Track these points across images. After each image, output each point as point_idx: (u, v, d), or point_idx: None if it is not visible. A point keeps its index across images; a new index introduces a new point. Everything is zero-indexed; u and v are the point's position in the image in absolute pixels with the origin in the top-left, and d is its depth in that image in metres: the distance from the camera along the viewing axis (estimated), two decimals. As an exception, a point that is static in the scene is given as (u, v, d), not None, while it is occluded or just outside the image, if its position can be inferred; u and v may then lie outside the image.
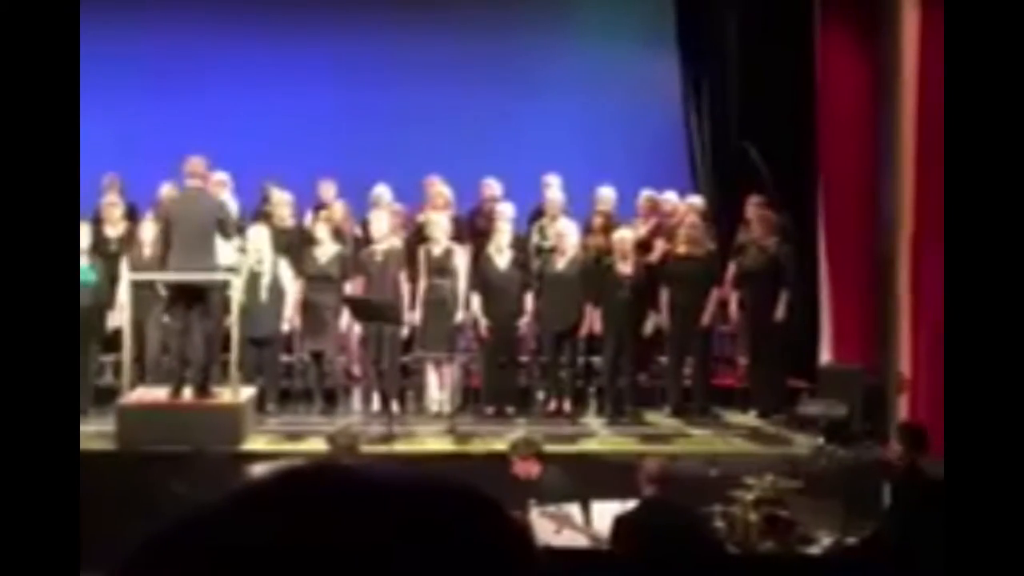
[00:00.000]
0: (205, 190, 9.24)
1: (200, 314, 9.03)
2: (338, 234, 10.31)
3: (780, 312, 9.82)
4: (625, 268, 9.91)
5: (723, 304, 10.13)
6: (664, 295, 9.94)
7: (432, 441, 9.25)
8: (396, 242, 10.12)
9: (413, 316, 9.93)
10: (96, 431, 9.16)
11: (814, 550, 6.69)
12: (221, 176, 10.60)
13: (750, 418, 9.91)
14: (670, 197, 10.97)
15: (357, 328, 10.01)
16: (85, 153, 11.84)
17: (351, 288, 10.02)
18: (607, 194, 11.02)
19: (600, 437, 9.50)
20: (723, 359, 10.62)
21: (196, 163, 9.08)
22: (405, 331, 9.99)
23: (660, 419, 9.95)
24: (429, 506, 0.83)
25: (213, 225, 8.93)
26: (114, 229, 10.42)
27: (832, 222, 10.22)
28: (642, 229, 10.64)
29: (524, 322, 10.03)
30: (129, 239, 10.14)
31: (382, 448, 8.69)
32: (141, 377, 9.62)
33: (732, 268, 10.09)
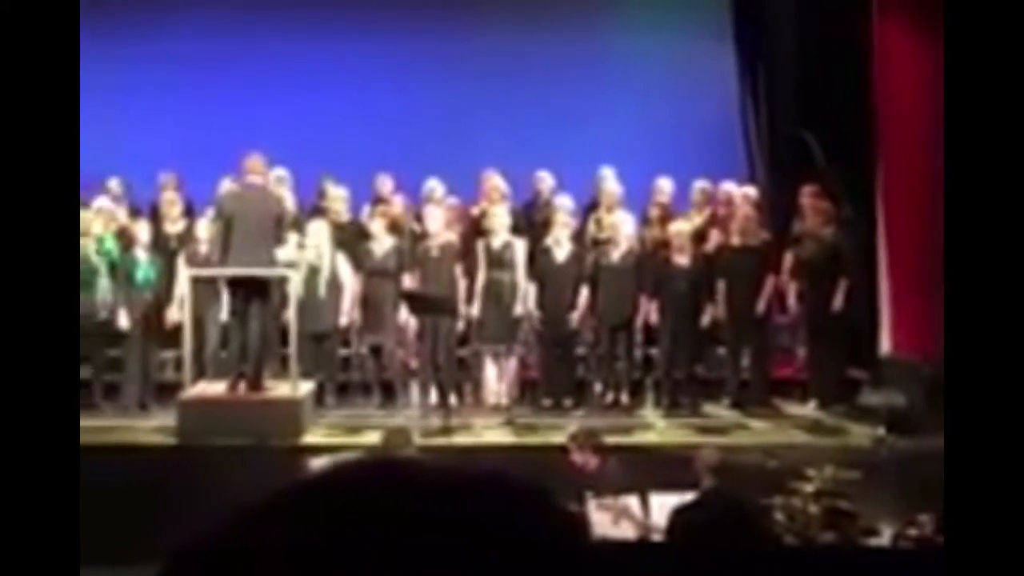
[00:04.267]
0: (264, 187, 9.31)
1: (257, 309, 9.11)
2: (395, 228, 10.36)
3: (838, 302, 9.72)
4: (682, 260, 9.86)
5: (780, 294, 10.05)
6: (721, 286, 9.88)
7: (490, 434, 9.27)
8: (451, 236, 10.15)
9: (469, 309, 9.96)
10: (157, 426, 9.29)
11: (876, 542, 6.63)
12: (279, 172, 10.69)
13: (809, 409, 9.82)
14: (727, 187, 10.90)
15: (414, 322, 10.05)
16: (144, 151, 12.03)
17: (408, 282, 10.06)
18: (664, 185, 10.97)
19: (658, 429, 9.47)
20: (781, 350, 10.53)
21: (256, 160, 9.17)
22: (461, 324, 10.02)
23: (718, 411, 9.89)
24: (484, 499, 0.83)
25: (272, 221, 9.01)
26: (173, 226, 10.54)
27: (892, 210, 10.10)
28: (697, 220, 10.59)
29: (579, 314, 10.02)
30: (187, 236, 10.26)
31: (440, 441, 8.72)
32: (201, 372, 9.72)
33: (789, 258, 10.00)
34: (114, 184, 10.90)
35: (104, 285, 9.82)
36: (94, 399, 9.90)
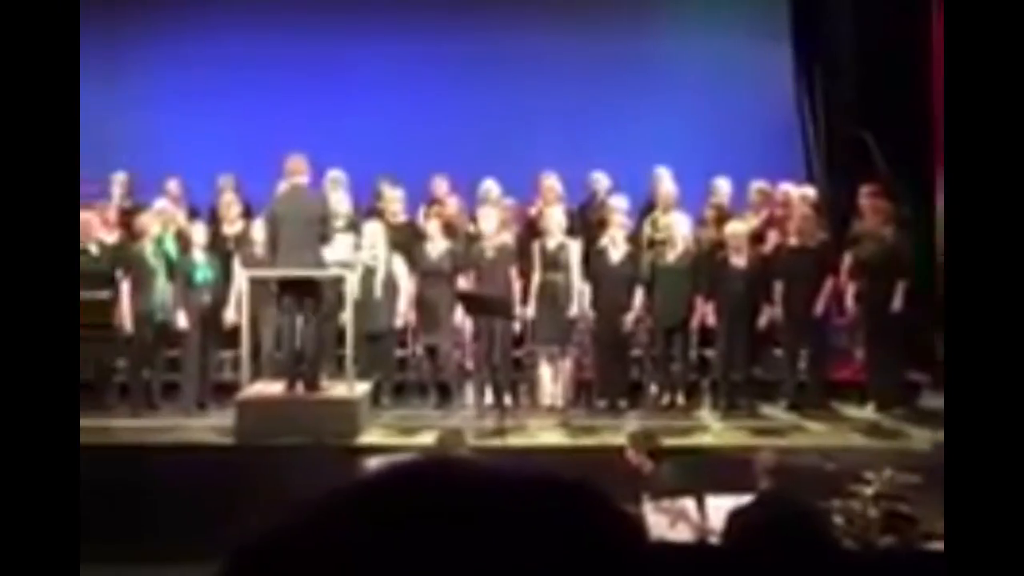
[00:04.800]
0: (308, 187, 9.35)
1: (310, 309, 9.17)
2: (450, 229, 10.38)
3: (897, 303, 9.61)
4: (739, 260, 9.80)
5: (839, 296, 9.96)
6: (778, 287, 9.81)
7: (545, 435, 9.26)
8: (507, 237, 10.16)
9: (525, 310, 9.96)
10: (216, 425, 9.39)
11: (936, 546, 6.54)
12: (335, 174, 10.76)
13: (868, 412, 9.72)
14: (785, 188, 10.82)
15: (470, 322, 10.08)
16: (203, 152, 12.19)
17: (463, 283, 10.08)
18: (721, 186, 10.92)
19: (714, 431, 9.42)
20: (839, 351, 10.42)
21: (297, 161, 9.22)
22: (517, 325, 10.03)
23: (775, 413, 9.82)
24: (541, 500, 0.83)
25: (317, 221, 9.06)
26: (231, 227, 10.64)
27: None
28: (754, 221, 10.52)
29: (635, 315, 9.98)
30: (244, 237, 10.35)
31: (495, 442, 8.72)
32: (258, 372, 9.80)
33: (847, 259, 9.91)
34: (173, 186, 11.03)
35: (162, 286, 9.93)
36: (153, 399, 10.03)
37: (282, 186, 9.50)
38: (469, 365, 10.24)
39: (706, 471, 7.47)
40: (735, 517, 5.87)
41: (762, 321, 9.80)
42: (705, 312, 9.85)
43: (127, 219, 10.48)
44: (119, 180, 11.14)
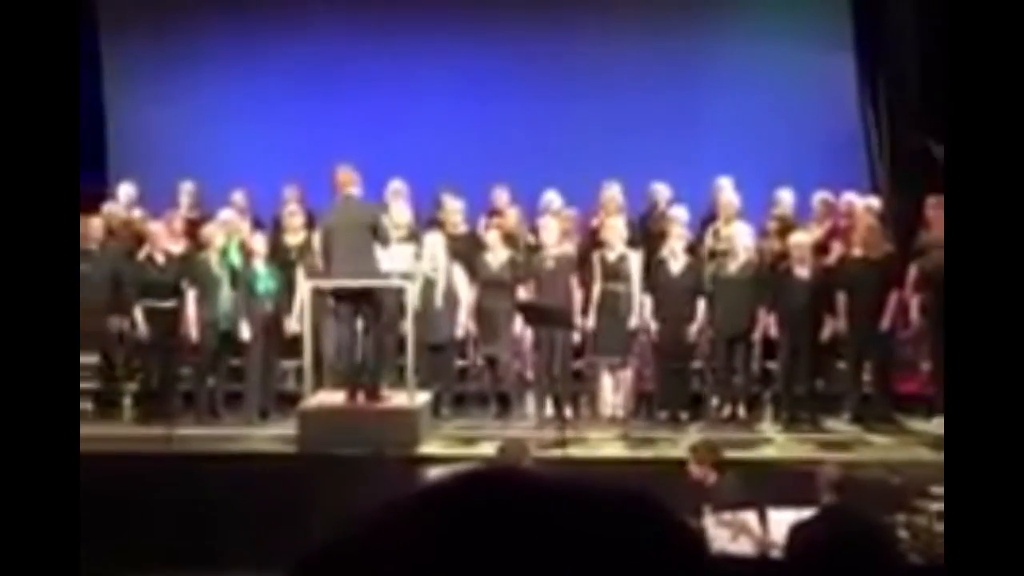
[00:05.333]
0: (360, 198, 9.39)
1: (369, 319, 9.22)
2: (510, 240, 10.40)
3: (965, 316, 9.46)
4: (802, 272, 9.72)
5: (904, 308, 9.83)
6: (841, 299, 9.70)
7: (605, 446, 9.23)
8: (568, 248, 10.16)
9: (585, 321, 9.95)
10: (278, 434, 9.46)
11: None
12: (397, 184, 10.82)
13: (934, 425, 9.57)
14: (849, 198, 10.71)
15: (530, 333, 10.08)
16: (268, 163, 12.31)
17: (523, 293, 10.09)
18: (784, 197, 10.83)
19: (777, 443, 9.33)
20: (905, 364, 10.29)
21: (346, 172, 9.28)
22: (577, 336, 10.01)
23: (839, 426, 9.71)
24: (603, 512, 0.83)
25: (370, 232, 9.11)
26: (294, 237, 10.73)
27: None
28: (818, 232, 10.43)
29: (697, 327, 9.93)
30: (307, 247, 10.43)
31: (555, 453, 8.71)
32: (321, 382, 9.87)
33: (913, 271, 9.78)
34: (239, 197, 11.15)
35: (227, 296, 10.04)
36: (217, 408, 10.14)
37: (335, 198, 9.56)
38: (529, 376, 10.24)
39: (768, 484, 7.41)
40: (798, 531, 5.82)
41: (825, 333, 9.70)
42: (767, 323, 9.78)
43: (193, 229, 10.61)
44: (186, 190, 11.28)
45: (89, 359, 10.39)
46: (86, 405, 10.39)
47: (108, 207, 10.96)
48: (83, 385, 10.36)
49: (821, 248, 10.17)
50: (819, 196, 10.68)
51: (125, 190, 11.38)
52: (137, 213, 11.14)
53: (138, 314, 10.03)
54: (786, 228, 10.39)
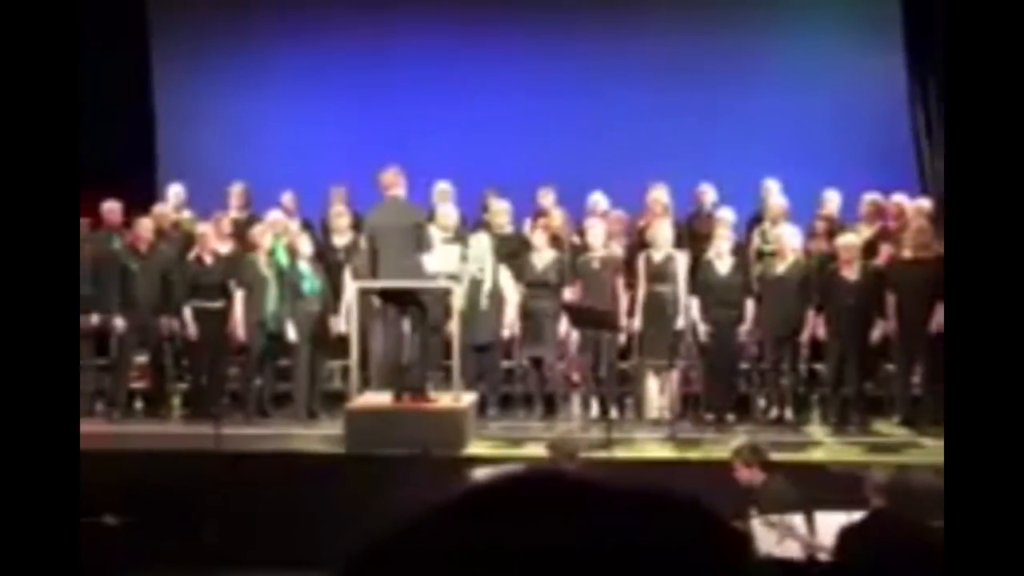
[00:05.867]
0: (404, 199, 9.42)
1: (415, 320, 9.25)
2: (556, 241, 10.40)
3: (1017, 318, 9.35)
4: (850, 273, 9.64)
5: (954, 309, 9.72)
6: (891, 300, 9.62)
7: (651, 448, 9.21)
8: (616, 249, 10.15)
9: (631, 323, 9.92)
10: (326, 434, 9.51)
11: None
12: (443, 186, 10.86)
13: (985, 428, 9.46)
14: (898, 199, 10.62)
15: (575, 334, 10.07)
16: (315, 164, 12.40)
17: (569, 294, 10.08)
18: (831, 197, 10.76)
19: (825, 446, 9.27)
20: (955, 367, 10.17)
21: (391, 174, 9.31)
22: (623, 337, 9.99)
23: (889, 428, 9.62)
24: (649, 514, 0.83)
25: (414, 233, 9.13)
26: (341, 238, 10.79)
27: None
28: (866, 233, 10.35)
29: (745, 328, 9.88)
30: (354, 248, 10.48)
31: (601, 454, 8.69)
32: (367, 382, 9.91)
33: (964, 272, 9.67)
34: (287, 198, 11.22)
35: (274, 297, 10.11)
36: (265, 407, 10.21)
37: (381, 199, 9.60)
38: (575, 377, 10.23)
39: (816, 486, 7.35)
40: (846, 534, 5.78)
41: (875, 335, 9.62)
42: (815, 325, 9.71)
43: (241, 230, 10.69)
44: (235, 191, 11.36)
45: (139, 359, 10.54)
46: (136, 404, 10.55)
47: (158, 208, 11.07)
48: (133, 385, 10.55)
49: (870, 249, 10.08)
50: (868, 197, 10.59)
51: (175, 191, 11.49)
52: (187, 214, 11.25)
53: (187, 314, 10.13)
54: (834, 229, 10.32)
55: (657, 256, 9.92)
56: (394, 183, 9.27)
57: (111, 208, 10.84)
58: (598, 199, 10.85)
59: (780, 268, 9.84)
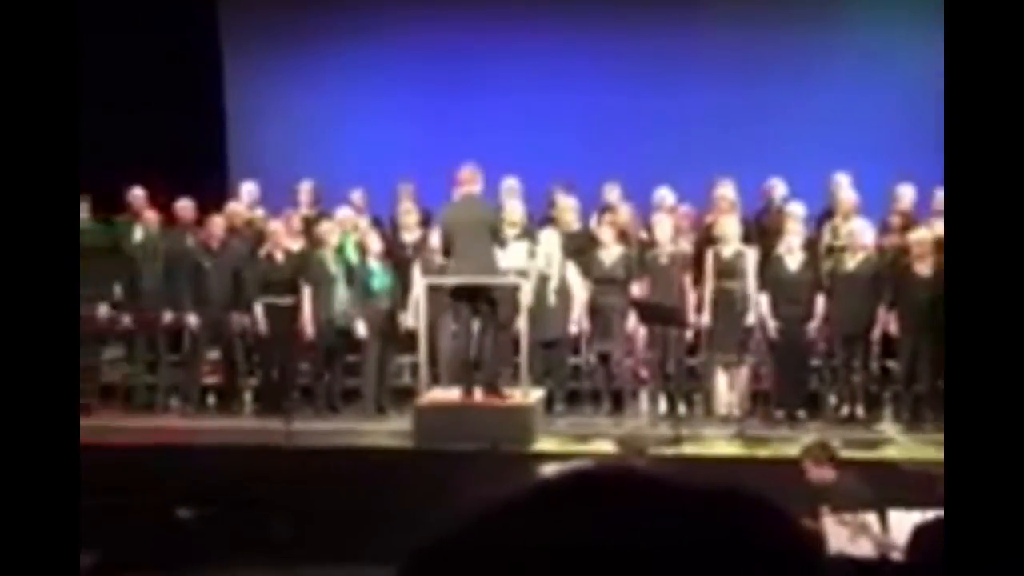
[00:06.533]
0: (480, 196, 9.44)
1: (486, 316, 9.27)
2: (623, 237, 10.36)
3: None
4: (923, 268, 9.50)
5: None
6: (965, 296, 9.46)
7: (720, 445, 9.15)
8: (684, 245, 10.10)
9: (699, 319, 9.87)
10: (395, 429, 9.57)
11: None
12: (511, 182, 10.87)
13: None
14: (973, 194, 10.43)
15: (643, 330, 10.03)
16: (384, 161, 12.49)
17: (637, 290, 10.05)
18: (905, 192, 10.61)
19: (898, 444, 9.15)
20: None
21: (470, 171, 9.33)
22: (690, 334, 9.94)
23: (962, 426, 9.46)
24: (720, 512, 0.82)
25: (489, 230, 9.15)
26: (410, 235, 10.84)
27: None
28: (940, 228, 10.18)
29: (815, 324, 9.78)
30: (423, 244, 10.53)
31: (669, 451, 8.65)
32: (436, 378, 9.95)
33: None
34: (357, 196, 11.30)
35: (343, 293, 10.19)
36: (334, 403, 10.30)
37: (455, 195, 9.65)
38: (643, 373, 10.20)
39: (889, 484, 7.26)
40: (920, 533, 5.69)
41: (948, 331, 9.47)
42: (887, 321, 9.58)
43: (311, 228, 10.79)
44: (305, 189, 11.46)
45: (212, 354, 10.68)
46: (209, 399, 10.69)
47: (230, 206, 11.20)
48: (206, 380, 10.70)
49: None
50: (941, 192, 10.42)
51: (247, 189, 11.61)
52: (259, 212, 11.37)
53: (258, 311, 10.24)
54: (907, 224, 10.17)
55: (726, 252, 9.85)
56: (471, 180, 9.31)
57: (184, 206, 10.99)
58: (665, 194, 10.79)
59: (851, 264, 9.72)
